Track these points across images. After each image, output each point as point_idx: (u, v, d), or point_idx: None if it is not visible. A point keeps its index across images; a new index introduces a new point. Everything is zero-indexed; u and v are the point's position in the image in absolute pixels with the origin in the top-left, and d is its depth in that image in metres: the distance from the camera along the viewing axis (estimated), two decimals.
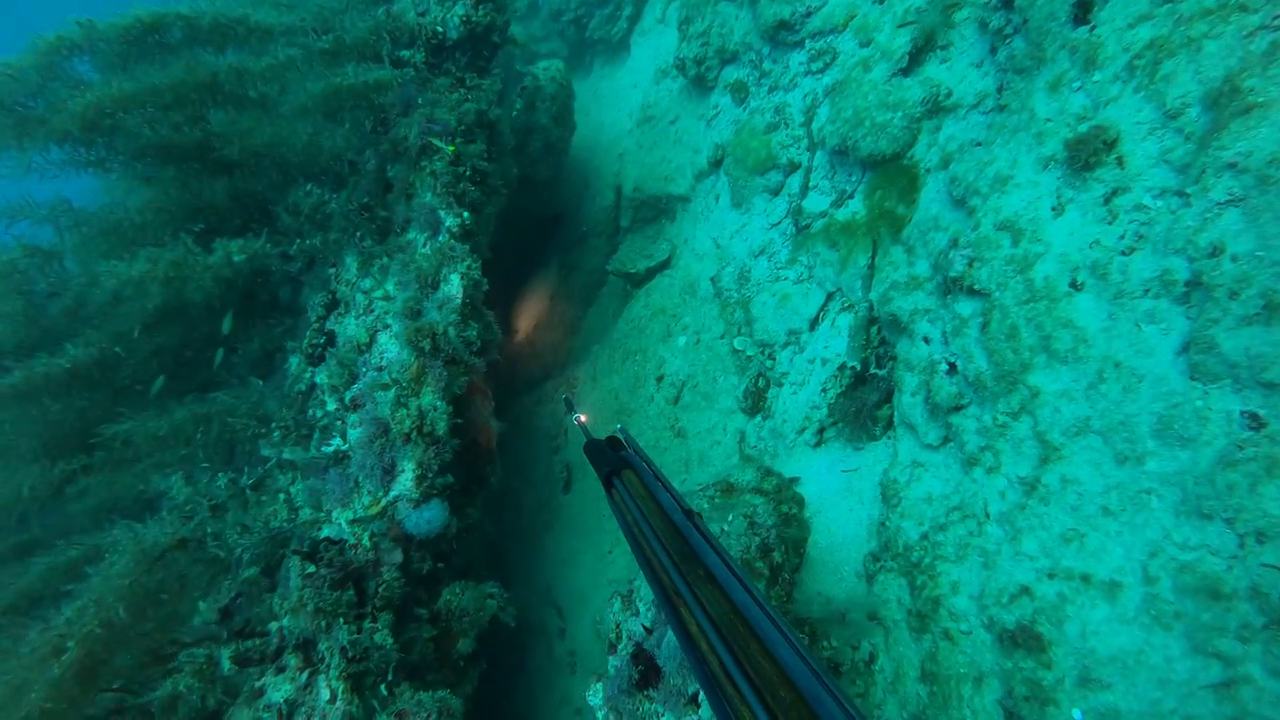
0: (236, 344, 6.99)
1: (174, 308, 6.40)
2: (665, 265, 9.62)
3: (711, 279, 8.33)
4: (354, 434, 5.34)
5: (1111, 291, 4.11)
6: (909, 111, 6.32)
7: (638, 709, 4.08)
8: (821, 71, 7.73)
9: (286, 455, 5.48)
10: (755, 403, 7.23)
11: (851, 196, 7.00)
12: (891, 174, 6.42)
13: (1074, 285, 4.32)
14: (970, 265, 4.89)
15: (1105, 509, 3.90)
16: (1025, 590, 4.15)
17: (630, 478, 2.96)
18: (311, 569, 4.89)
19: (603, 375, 9.34)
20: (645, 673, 4.04)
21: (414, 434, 5.13)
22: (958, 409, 4.91)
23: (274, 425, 5.77)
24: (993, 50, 5.84)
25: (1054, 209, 4.53)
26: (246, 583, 5.09)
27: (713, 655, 2.01)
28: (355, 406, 5.58)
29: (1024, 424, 4.42)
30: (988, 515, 4.49)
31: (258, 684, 4.77)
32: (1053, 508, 4.14)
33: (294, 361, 6.81)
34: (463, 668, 5.51)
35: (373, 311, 6.50)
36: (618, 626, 4.57)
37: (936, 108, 6.19)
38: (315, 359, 6.43)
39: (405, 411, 5.18)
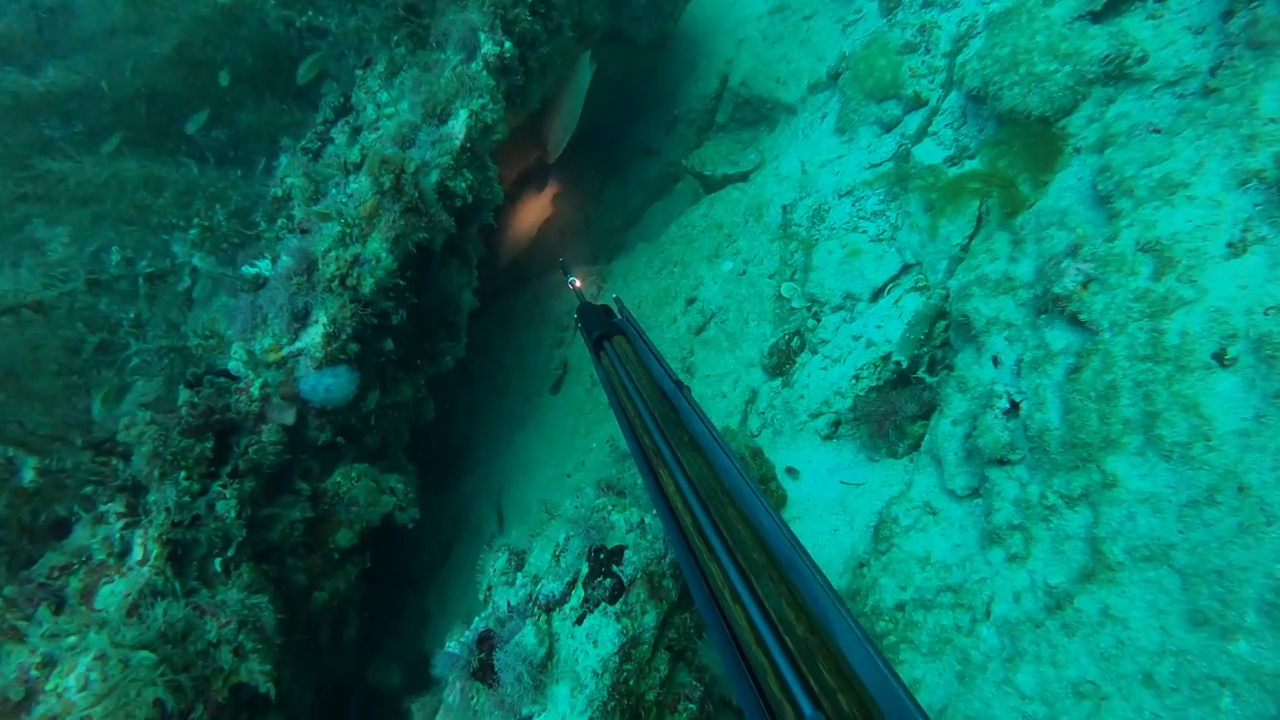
0: (233, 119, 6.08)
1: (172, 53, 5.48)
2: (743, 178, 8.32)
3: (784, 207, 7.05)
4: (282, 262, 4.42)
5: (1273, 385, 2.83)
6: (1081, 69, 4.81)
7: (471, 698, 3.23)
8: None
9: (196, 261, 4.62)
10: (781, 363, 6.09)
11: (972, 157, 5.58)
12: (1030, 141, 4.98)
13: (1219, 358, 3.03)
14: (1084, 286, 3.60)
15: (1149, 677, 2.76)
16: None
17: (621, 343, 3.07)
18: (185, 399, 4.09)
19: (635, 278, 8.25)
20: (484, 664, 3.17)
21: (336, 283, 4.19)
22: (1002, 463, 3.73)
23: (196, 222, 4.88)
24: (1227, 14, 4.27)
25: (1231, 245, 3.19)
26: (119, 391, 4.33)
27: (686, 513, 2.06)
28: (301, 231, 4.65)
29: (1079, 517, 3.24)
30: (988, 614, 3.38)
31: (71, 518, 4.08)
32: (1076, 642, 3.01)
33: (283, 161, 5.89)
34: (337, 560, 4.74)
35: (377, 129, 5.49)
36: (489, 590, 3.69)
37: (1120, 72, 4.67)
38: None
39: (338, 254, 4.23)
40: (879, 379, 5.10)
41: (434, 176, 4.75)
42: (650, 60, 10.23)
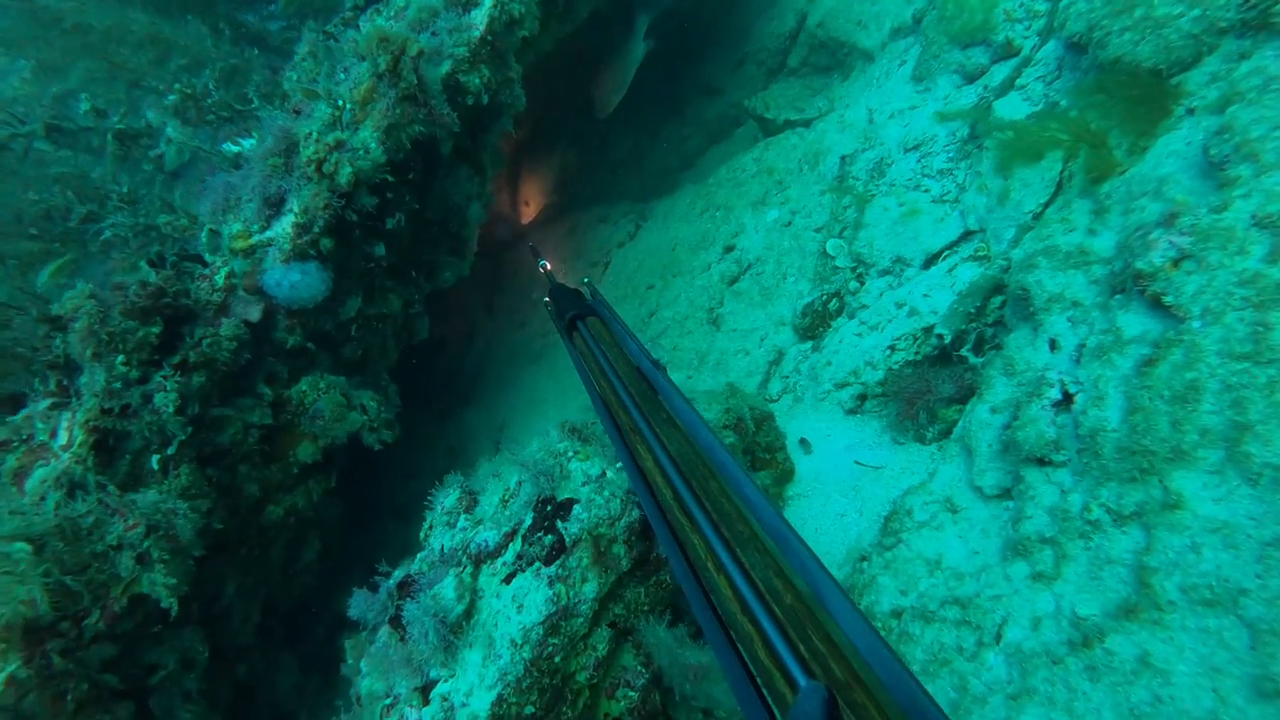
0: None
1: None
2: (806, 125, 7.63)
3: (843, 157, 6.38)
4: (262, 141, 3.98)
5: None
6: (1213, 15, 4.03)
7: (390, 648, 2.82)
8: None
9: (170, 130, 4.20)
10: (814, 325, 5.50)
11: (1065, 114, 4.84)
12: (1134, 97, 4.24)
13: None
14: (1175, 263, 2.95)
15: None
16: None
17: (595, 324, 3.01)
18: (142, 279, 3.71)
19: (675, 220, 7.68)
20: (399, 613, 2.75)
21: (313, 169, 3.73)
22: (1042, 462, 3.13)
23: (177, 88, 4.45)
24: None
25: None
26: (73, 265, 3.98)
27: (666, 488, 2.02)
28: (294, 113, 4.19)
29: (1128, 539, 2.65)
30: (998, 639, 2.83)
31: (29, 393, 3.75)
32: (1101, 690, 2.44)
33: (301, 46, 5.42)
34: (297, 475, 4.38)
35: (404, 17, 4.98)
36: (429, 530, 3.25)
37: (1263, 21, 3.89)
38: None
39: (320, 137, 3.77)
40: (917, 352, 4.49)
41: (445, 67, 4.24)
42: None
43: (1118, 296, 3.20)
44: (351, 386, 4.47)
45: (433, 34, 4.31)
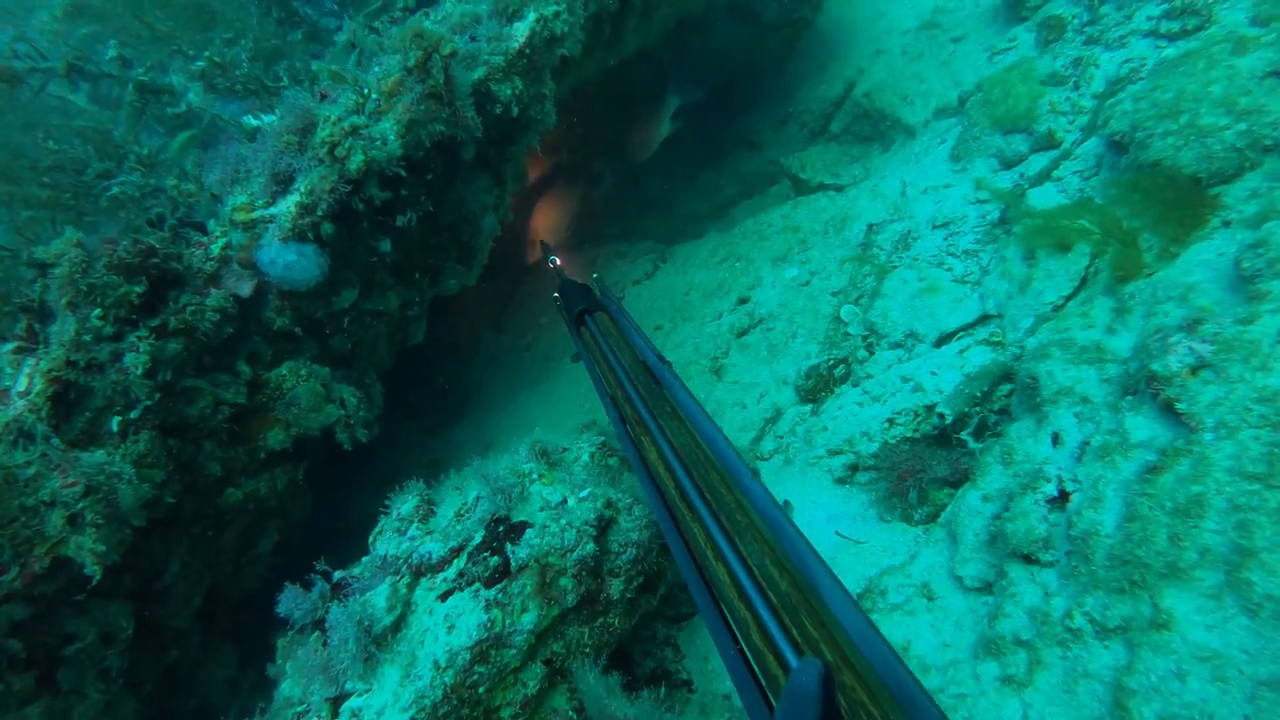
0: None
1: None
2: (839, 190, 7.57)
3: (870, 225, 6.30)
4: (280, 117, 3.92)
5: None
6: (1259, 131, 3.94)
7: (315, 651, 2.65)
8: (1172, 39, 5.26)
9: (192, 96, 4.16)
10: (817, 388, 5.35)
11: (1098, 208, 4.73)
12: (1169, 202, 4.13)
13: None
14: (1194, 371, 2.80)
15: None
16: None
17: (604, 319, 3.10)
18: (135, 236, 3.63)
19: (694, 265, 7.60)
20: (324, 616, 2.58)
21: (325, 150, 3.66)
22: (1029, 560, 2.95)
23: (206, 55, 4.41)
24: None
25: None
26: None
27: (669, 478, 2.09)
28: (321, 97, 4.14)
29: (1108, 654, 2.46)
30: None
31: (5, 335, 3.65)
32: None
33: (342, 36, 5.43)
34: (263, 461, 4.24)
35: (449, 20, 4.98)
36: (379, 532, 3.10)
37: None
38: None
39: (337, 120, 3.70)
40: (916, 429, 4.32)
41: (478, 73, 4.20)
42: (779, 49, 9.57)
43: (1129, 398, 3.04)
44: (335, 379, 4.35)
45: (471, 38, 4.28)
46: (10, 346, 3.40)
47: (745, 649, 1.56)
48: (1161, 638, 2.34)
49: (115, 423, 3.54)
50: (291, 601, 2.70)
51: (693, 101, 9.31)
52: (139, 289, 3.52)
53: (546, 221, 10.15)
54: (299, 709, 2.61)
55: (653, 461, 2.21)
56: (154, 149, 4.85)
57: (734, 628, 1.61)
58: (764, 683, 1.47)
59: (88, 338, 3.36)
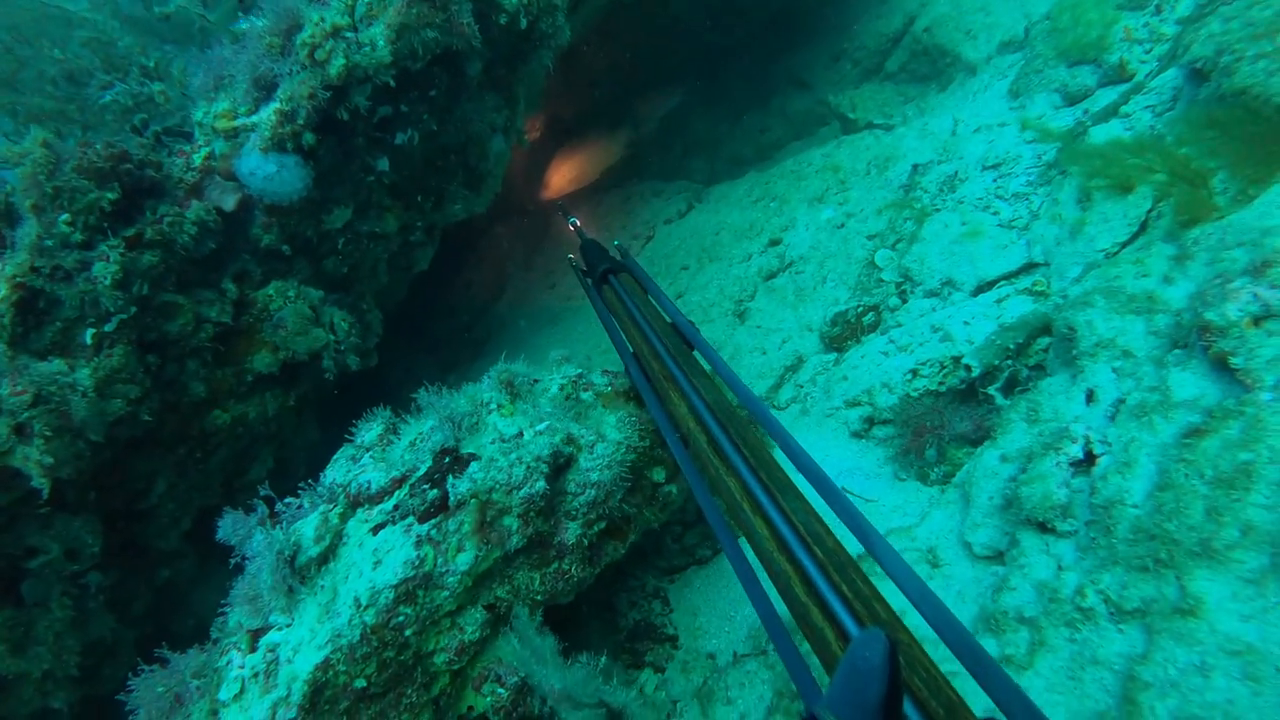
0: None
1: None
2: (888, 130, 7.06)
3: (914, 166, 5.83)
4: (263, 18, 3.66)
5: None
6: None
7: (243, 582, 2.47)
8: None
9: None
10: (843, 335, 4.99)
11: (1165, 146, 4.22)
12: (1254, 135, 3.63)
13: None
14: (1256, 321, 2.39)
15: None
16: None
17: (627, 279, 3.17)
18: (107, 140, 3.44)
19: (728, 206, 7.21)
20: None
21: (305, 53, 3.40)
22: (1044, 528, 2.61)
23: None
24: None
25: None
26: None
27: (701, 432, 2.08)
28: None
29: (1122, 640, 2.13)
30: None
31: None
32: None
33: None
34: (250, 384, 4.09)
35: None
36: (334, 461, 2.90)
37: None
38: None
39: (322, 20, 3.43)
40: (940, 382, 3.96)
41: None
42: None
43: (1176, 351, 2.65)
44: (328, 303, 4.16)
45: None
46: None
47: (787, 604, 1.56)
48: (1186, 625, 2.00)
49: (89, 335, 3.41)
50: (230, 527, 2.52)
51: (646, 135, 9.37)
52: (111, 195, 3.34)
53: (586, 164, 9.83)
54: (233, 639, 2.45)
55: (682, 416, 2.22)
56: (161, 60, 4.67)
57: (776, 580, 1.60)
58: (810, 634, 1.46)
59: (52, 243, 3.20)
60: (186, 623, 4.81)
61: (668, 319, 2.76)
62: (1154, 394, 2.57)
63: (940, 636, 1.27)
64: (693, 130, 10.01)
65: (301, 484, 2.75)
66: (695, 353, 2.54)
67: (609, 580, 3.62)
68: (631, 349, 2.76)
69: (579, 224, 4.08)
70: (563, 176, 9.81)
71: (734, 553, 1.74)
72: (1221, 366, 2.42)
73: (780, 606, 1.60)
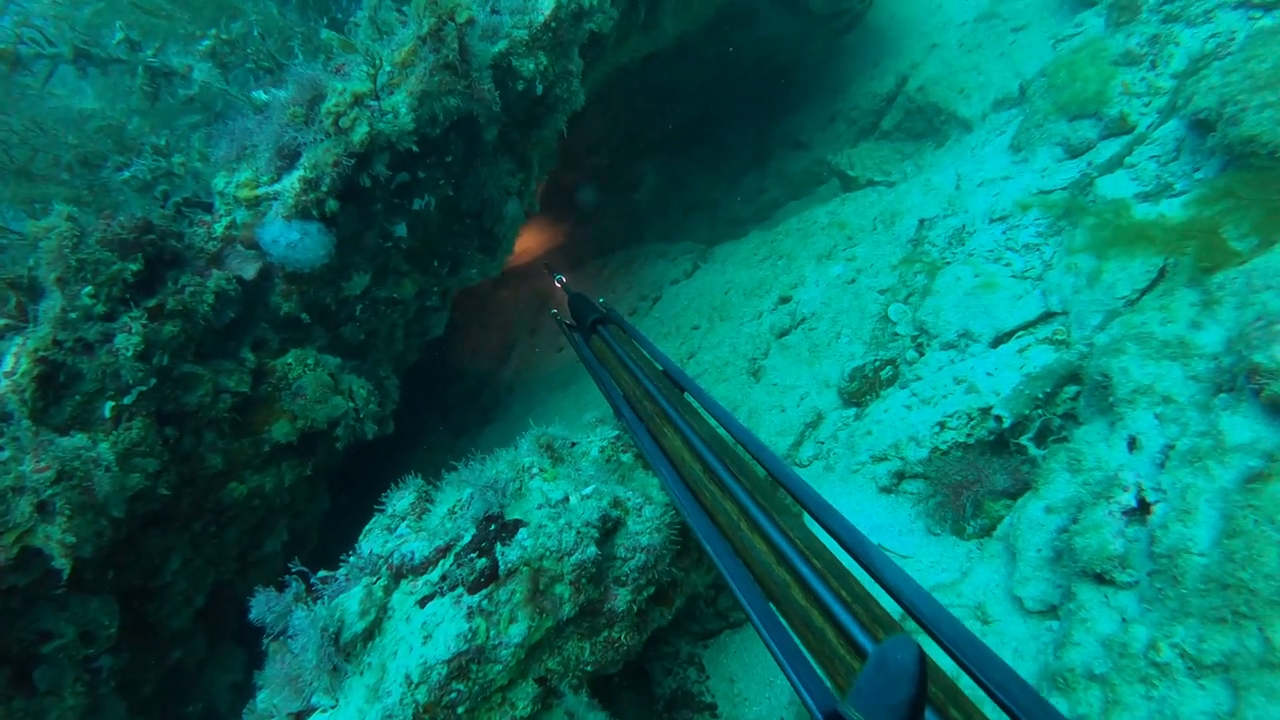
0: None
1: None
2: (889, 186, 7.17)
3: (921, 220, 5.90)
4: (286, 89, 3.71)
5: None
6: None
7: (279, 661, 2.37)
8: (1269, 8, 4.79)
9: (197, 74, 3.97)
10: (861, 391, 4.96)
11: (1177, 196, 4.28)
12: (1267, 183, 3.68)
13: None
14: None
15: None
16: None
17: (616, 330, 3.29)
18: (130, 212, 3.44)
19: (734, 263, 7.26)
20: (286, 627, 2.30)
21: (329, 121, 3.44)
22: (1102, 580, 2.55)
23: (212, 34, 4.23)
24: None
25: None
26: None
27: (696, 462, 2.15)
28: (336, 71, 3.93)
29: (1206, 697, 2.05)
30: None
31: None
32: None
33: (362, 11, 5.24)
34: (268, 455, 4.01)
35: None
36: (369, 530, 2.81)
37: None
38: None
39: (345, 90, 3.48)
40: (969, 434, 3.92)
41: (500, 46, 3.95)
42: (827, 44, 9.23)
43: (1223, 395, 2.63)
44: (345, 370, 4.12)
45: (493, 11, 4.04)
46: (1, 324, 3.22)
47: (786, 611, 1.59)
48: (1276, 679, 1.94)
49: (108, 408, 3.35)
50: (264, 605, 2.43)
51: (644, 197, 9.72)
52: (134, 266, 3.33)
53: (582, 229, 9.99)
54: None
55: (675, 449, 2.27)
56: (171, 138, 4.71)
57: (773, 589, 1.65)
58: (809, 636, 1.51)
59: (75, 315, 3.17)
60: (194, 707, 4.63)
61: (659, 366, 2.85)
62: (1205, 439, 2.54)
63: (1004, 696, 1.24)
64: (693, 192, 10.16)
65: (312, 555, 2.68)
66: (687, 395, 2.64)
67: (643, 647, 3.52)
68: (622, 391, 2.83)
69: (565, 281, 4.24)
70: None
71: (726, 563, 1.77)
72: (1275, 409, 2.39)
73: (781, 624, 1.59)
